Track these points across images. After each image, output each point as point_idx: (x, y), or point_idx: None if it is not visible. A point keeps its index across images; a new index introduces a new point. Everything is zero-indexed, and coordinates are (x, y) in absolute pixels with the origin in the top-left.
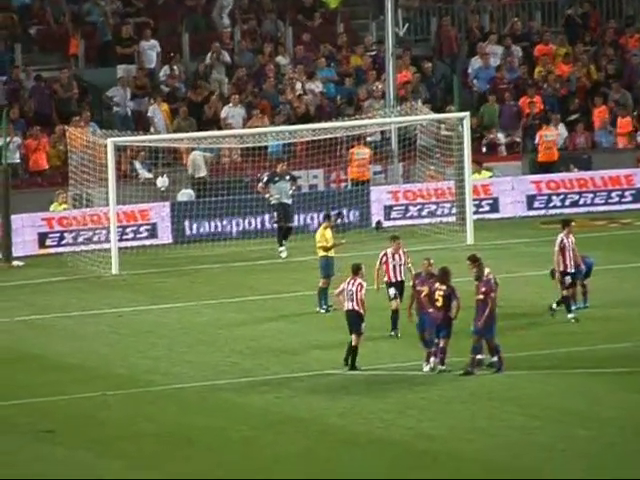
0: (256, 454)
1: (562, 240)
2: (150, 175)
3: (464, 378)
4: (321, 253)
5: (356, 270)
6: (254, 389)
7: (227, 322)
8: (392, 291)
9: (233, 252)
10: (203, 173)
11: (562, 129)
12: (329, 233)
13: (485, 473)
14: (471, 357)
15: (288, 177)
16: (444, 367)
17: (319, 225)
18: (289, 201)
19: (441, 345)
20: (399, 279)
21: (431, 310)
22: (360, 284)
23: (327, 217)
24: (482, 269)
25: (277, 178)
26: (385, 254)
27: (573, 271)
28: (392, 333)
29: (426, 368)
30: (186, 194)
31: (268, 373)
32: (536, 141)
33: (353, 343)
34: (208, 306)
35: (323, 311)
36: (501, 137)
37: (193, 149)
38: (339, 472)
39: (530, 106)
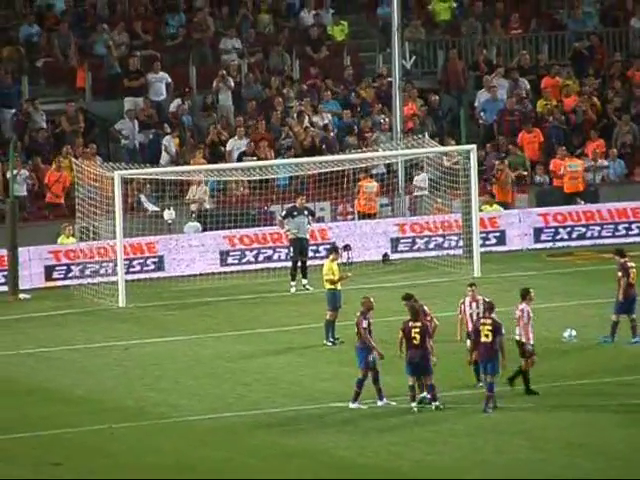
0: None
1: None
2: (157, 208)
3: (473, 413)
4: (328, 286)
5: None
6: (261, 422)
7: (234, 355)
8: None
9: (240, 284)
10: (208, 206)
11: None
12: (336, 266)
13: None
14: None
15: (306, 212)
16: (437, 403)
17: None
18: (306, 236)
19: (428, 383)
20: None
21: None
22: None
23: (334, 250)
24: (413, 310)
25: (295, 212)
26: (463, 303)
27: None
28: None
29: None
30: (193, 227)
31: (275, 406)
32: (560, 172)
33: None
34: (215, 339)
35: (330, 344)
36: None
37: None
38: None
39: (524, 140)
